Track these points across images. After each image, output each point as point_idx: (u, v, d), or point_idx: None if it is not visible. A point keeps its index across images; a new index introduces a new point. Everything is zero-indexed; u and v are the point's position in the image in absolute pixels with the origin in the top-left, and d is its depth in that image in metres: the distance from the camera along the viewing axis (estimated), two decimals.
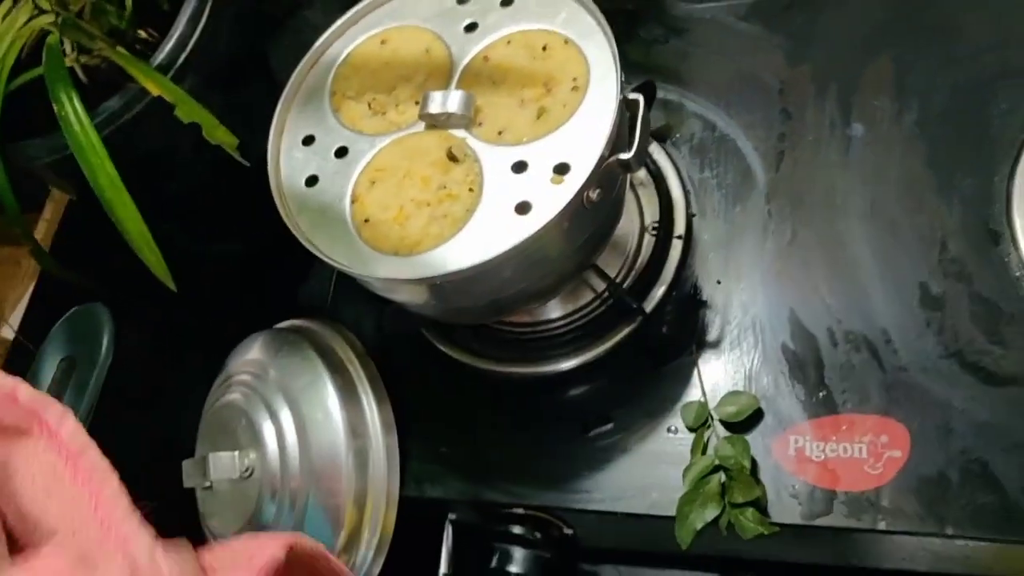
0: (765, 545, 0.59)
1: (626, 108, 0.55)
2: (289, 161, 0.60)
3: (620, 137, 0.54)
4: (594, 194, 0.53)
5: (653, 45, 0.75)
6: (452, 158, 0.56)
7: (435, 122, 0.57)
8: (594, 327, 0.66)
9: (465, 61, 0.60)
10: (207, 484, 0.67)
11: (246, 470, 0.66)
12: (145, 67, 0.65)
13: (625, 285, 0.66)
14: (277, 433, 0.66)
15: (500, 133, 0.56)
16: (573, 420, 0.65)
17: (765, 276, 0.65)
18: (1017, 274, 0.60)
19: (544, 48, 0.58)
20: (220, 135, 0.64)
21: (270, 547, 0.46)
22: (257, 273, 0.83)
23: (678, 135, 0.72)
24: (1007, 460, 0.56)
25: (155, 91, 0.64)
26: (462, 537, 0.69)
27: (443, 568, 0.69)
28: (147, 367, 0.78)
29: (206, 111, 0.64)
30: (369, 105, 0.60)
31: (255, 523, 0.65)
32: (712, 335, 0.64)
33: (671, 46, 0.75)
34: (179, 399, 0.77)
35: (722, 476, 0.59)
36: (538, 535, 0.65)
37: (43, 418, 0.46)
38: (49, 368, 0.72)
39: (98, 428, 0.71)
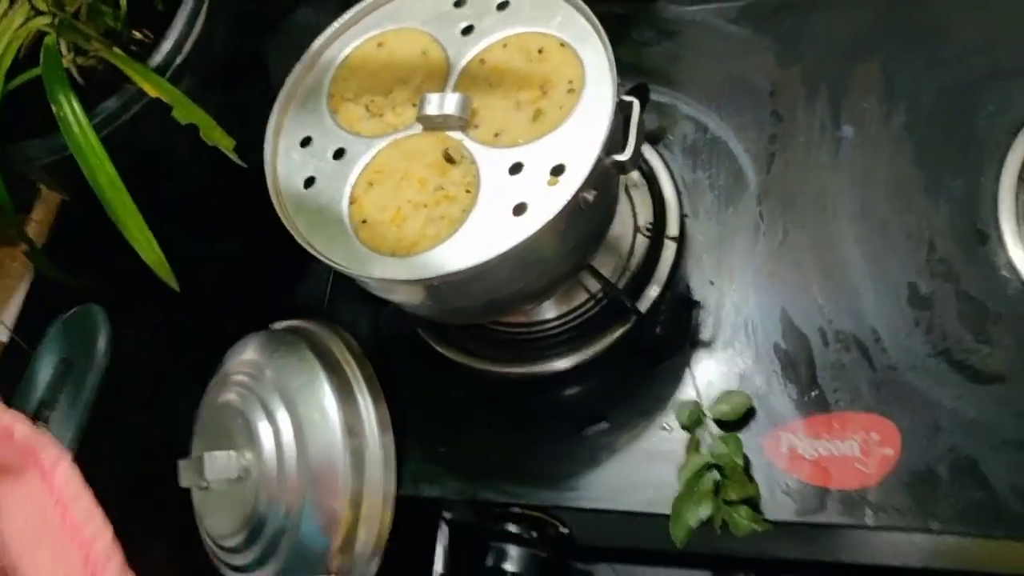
0: (759, 542, 0.60)
1: (620, 110, 0.56)
2: (287, 162, 0.61)
3: (615, 139, 0.55)
4: (590, 195, 0.54)
5: (645, 48, 0.76)
6: (449, 160, 0.57)
7: (432, 124, 0.58)
8: (589, 327, 0.67)
9: (462, 64, 0.60)
10: (203, 484, 0.67)
11: (243, 470, 0.66)
12: (143, 68, 0.65)
13: (619, 286, 0.67)
14: (274, 433, 0.66)
15: (497, 135, 0.57)
16: (568, 419, 0.65)
17: (757, 276, 0.66)
18: (1004, 274, 0.61)
19: (540, 51, 0.59)
20: (217, 136, 0.64)
21: None
22: (253, 274, 0.83)
23: (670, 137, 0.72)
24: (995, 457, 0.57)
25: (153, 93, 0.64)
26: (457, 536, 0.69)
27: (438, 567, 0.70)
28: (143, 368, 0.78)
29: (203, 112, 0.64)
30: (367, 107, 0.61)
31: (251, 523, 0.66)
32: (705, 335, 0.65)
33: (663, 49, 0.76)
34: (174, 399, 0.78)
35: (716, 474, 0.60)
36: (534, 534, 0.66)
37: (39, 458, 0.46)
38: (46, 369, 0.72)
39: (94, 428, 0.72)
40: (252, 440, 0.66)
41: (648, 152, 0.71)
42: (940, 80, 0.67)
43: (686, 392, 0.64)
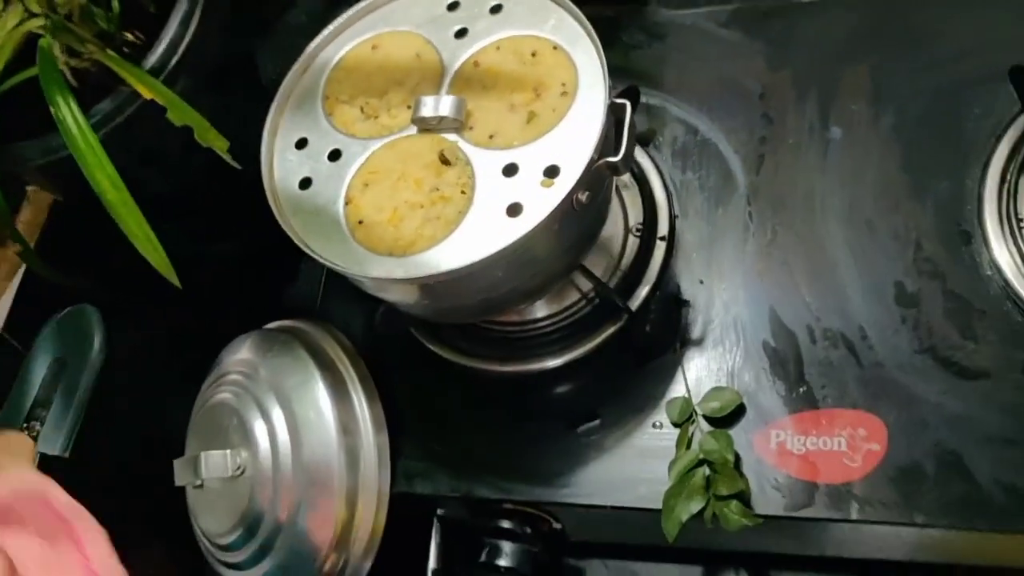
0: (748, 537, 0.61)
1: (613, 113, 0.57)
2: (283, 164, 0.61)
3: (608, 141, 0.56)
4: (583, 196, 0.55)
5: (635, 50, 0.77)
6: (444, 161, 0.57)
7: (427, 126, 0.59)
8: (580, 326, 0.68)
9: (456, 66, 0.61)
10: (198, 483, 0.68)
11: (238, 469, 0.66)
12: (137, 71, 0.65)
13: (610, 285, 0.68)
14: (269, 432, 0.66)
15: (491, 137, 0.58)
16: (561, 417, 0.66)
17: (746, 276, 0.67)
18: (988, 272, 0.62)
19: (533, 54, 0.60)
20: (212, 138, 0.65)
21: None
22: (246, 274, 0.83)
23: (661, 139, 0.73)
24: (979, 452, 0.58)
25: (147, 94, 0.64)
26: (451, 533, 0.70)
27: (432, 563, 0.71)
28: (136, 368, 0.78)
29: (198, 114, 0.65)
30: (362, 109, 0.61)
31: (246, 521, 0.66)
32: (695, 333, 0.66)
33: (653, 51, 0.77)
34: (168, 399, 0.78)
35: (706, 470, 0.61)
36: (527, 530, 0.67)
37: (73, 527, 0.46)
38: (40, 369, 0.72)
39: (88, 428, 0.72)
40: (247, 439, 0.67)
41: (638, 154, 0.72)
42: (926, 84, 0.68)
43: (677, 389, 0.65)
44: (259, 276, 0.83)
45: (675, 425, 0.64)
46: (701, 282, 0.68)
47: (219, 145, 0.65)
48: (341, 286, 0.71)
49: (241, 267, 0.84)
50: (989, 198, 0.64)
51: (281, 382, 0.68)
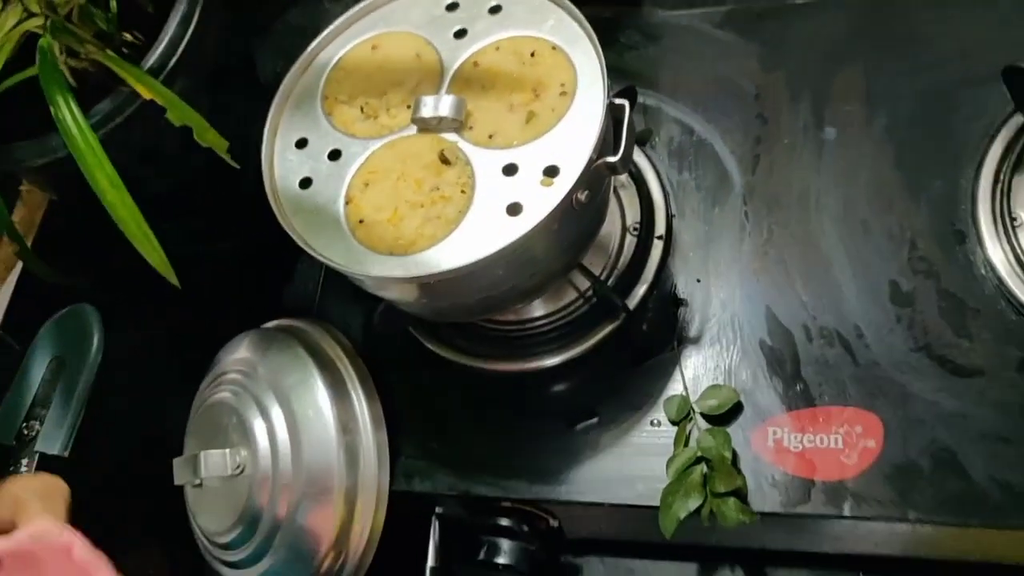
0: (745, 533, 0.61)
1: (611, 113, 0.57)
2: (283, 163, 0.61)
3: (606, 141, 0.56)
4: (583, 196, 0.55)
5: (632, 51, 0.77)
6: (444, 161, 0.58)
7: (427, 126, 0.59)
8: (578, 325, 0.68)
9: (455, 66, 0.61)
10: (197, 482, 0.68)
11: (237, 467, 0.66)
12: (137, 71, 0.66)
13: (608, 284, 0.68)
14: (268, 430, 0.66)
15: (491, 137, 0.58)
16: (559, 415, 0.67)
17: (743, 275, 0.67)
18: (982, 271, 0.63)
19: (532, 54, 0.60)
20: (211, 138, 0.65)
21: None
22: (244, 274, 0.84)
23: (657, 139, 0.74)
24: (973, 448, 0.59)
25: (147, 95, 0.64)
26: (450, 530, 0.70)
27: (430, 561, 0.71)
28: (134, 367, 0.79)
29: (197, 114, 0.65)
30: (361, 109, 0.61)
31: (245, 519, 0.66)
32: (692, 331, 0.67)
33: (649, 52, 0.77)
34: (166, 398, 0.78)
35: (704, 467, 0.61)
36: (525, 527, 0.67)
37: None
38: (38, 369, 0.72)
39: (87, 427, 0.72)
40: (247, 438, 0.67)
41: (635, 153, 0.73)
42: (919, 85, 0.69)
43: (674, 387, 0.65)
44: (257, 276, 0.83)
45: (673, 423, 0.64)
46: (698, 281, 0.68)
47: (218, 145, 0.65)
48: (339, 285, 0.72)
49: (239, 267, 0.84)
50: (983, 198, 0.64)
51: (280, 381, 0.68)
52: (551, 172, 0.56)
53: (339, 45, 0.65)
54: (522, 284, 0.60)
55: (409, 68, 0.62)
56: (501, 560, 0.67)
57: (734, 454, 0.62)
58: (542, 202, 0.54)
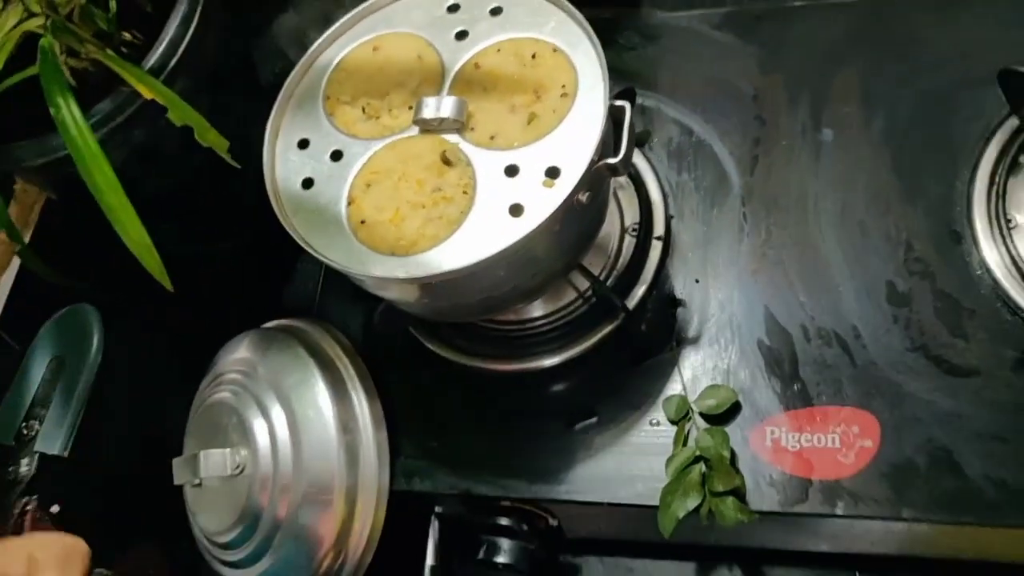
0: (743, 532, 0.62)
1: (612, 114, 0.57)
2: (285, 164, 0.62)
3: (607, 142, 0.57)
4: (584, 197, 0.56)
5: (631, 52, 0.78)
6: (446, 162, 0.58)
7: (429, 127, 0.59)
8: (578, 325, 0.69)
9: (456, 68, 0.61)
10: (197, 481, 0.68)
11: (237, 467, 0.67)
12: (138, 71, 0.66)
13: (608, 284, 0.69)
14: (268, 430, 0.67)
15: (492, 138, 0.58)
16: (558, 414, 0.67)
17: (741, 275, 0.68)
18: (978, 272, 0.64)
19: (533, 56, 0.60)
20: (212, 138, 0.65)
21: None
22: (243, 274, 0.84)
23: (656, 140, 0.74)
24: (969, 447, 0.59)
25: (148, 95, 0.64)
26: (449, 529, 0.70)
27: (430, 560, 0.71)
28: (132, 367, 0.79)
29: (198, 114, 0.65)
30: (363, 110, 0.62)
31: (245, 519, 0.67)
32: (691, 332, 0.67)
33: (648, 53, 0.78)
34: (165, 398, 0.78)
35: (703, 466, 0.62)
36: (524, 526, 0.67)
37: None
38: (38, 368, 0.72)
39: (86, 427, 0.72)
40: (247, 437, 0.67)
41: (634, 154, 0.73)
42: (916, 87, 0.70)
43: (673, 387, 0.66)
44: (256, 276, 0.83)
45: (672, 422, 0.64)
46: (697, 281, 0.69)
47: (219, 145, 0.65)
48: (339, 285, 0.72)
49: (239, 267, 0.84)
50: (978, 199, 0.65)
51: (280, 381, 0.68)
52: (552, 173, 0.56)
53: (340, 46, 0.65)
54: (523, 284, 0.60)
55: (410, 69, 0.62)
56: (501, 559, 0.67)
57: (732, 453, 0.62)
58: (543, 203, 0.55)
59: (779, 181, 0.70)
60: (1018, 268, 0.62)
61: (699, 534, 0.65)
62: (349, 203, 0.59)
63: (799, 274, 0.67)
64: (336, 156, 0.61)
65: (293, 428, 0.66)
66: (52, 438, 0.69)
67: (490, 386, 0.70)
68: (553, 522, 0.69)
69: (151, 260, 0.60)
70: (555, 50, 0.60)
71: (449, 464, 0.68)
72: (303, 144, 0.62)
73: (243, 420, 0.68)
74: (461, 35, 0.63)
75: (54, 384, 0.72)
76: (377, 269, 0.56)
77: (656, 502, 0.61)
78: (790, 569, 0.68)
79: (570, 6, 0.61)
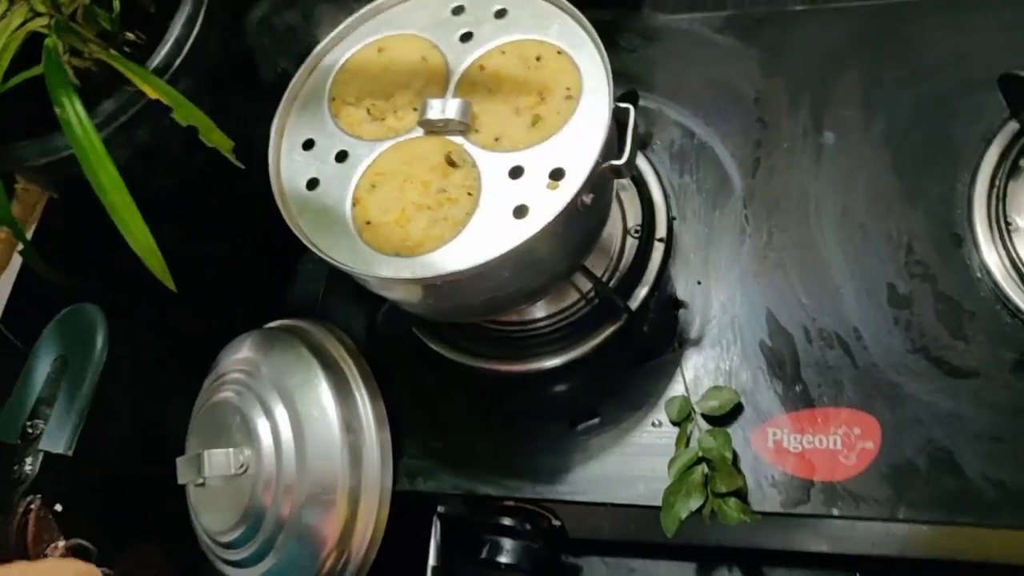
0: (745, 532, 0.62)
1: (615, 116, 0.58)
2: (289, 164, 0.62)
3: (611, 144, 0.57)
4: (588, 199, 0.56)
5: (632, 54, 0.78)
6: (451, 163, 0.58)
7: (434, 128, 0.59)
8: (580, 326, 0.69)
9: (461, 69, 0.62)
10: (200, 481, 0.68)
11: (241, 467, 0.67)
12: (142, 71, 0.66)
13: (610, 285, 0.69)
14: (272, 430, 0.67)
15: (497, 139, 0.59)
16: (561, 415, 0.67)
17: (743, 277, 0.68)
18: (978, 275, 0.64)
19: (538, 58, 0.61)
20: (216, 138, 0.65)
21: None
22: (246, 274, 0.84)
23: (657, 142, 0.75)
24: (969, 448, 0.60)
25: (153, 94, 0.64)
26: (451, 530, 0.71)
27: (432, 560, 0.71)
28: (135, 366, 0.79)
29: (202, 114, 0.65)
30: (368, 111, 0.62)
31: (248, 519, 0.67)
32: (693, 333, 0.67)
33: (650, 56, 0.78)
34: (167, 398, 0.78)
35: (705, 467, 0.62)
36: (527, 527, 0.67)
37: None
38: (43, 367, 0.72)
39: (91, 426, 0.72)
40: (250, 437, 0.67)
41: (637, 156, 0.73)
42: (917, 91, 0.70)
43: (676, 388, 0.66)
44: (259, 276, 0.83)
45: (674, 423, 0.65)
46: (699, 283, 0.69)
47: (223, 145, 0.65)
48: (343, 285, 0.72)
49: (242, 267, 0.84)
50: (979, 202, 0.65)
51: (284, 380, 0.68)
52: (557, 175, 0.56)
53: (345, 47, 0.66)
54: (527, 285, 0.61)
55: (415, 71, 0.62)
56: (504, 559, 0.67)
57: (734, 454, 0.62)
58: (548, 205, 0.55)
59: (780, 183, 0.70)
60: (1018, 271, 0.63)
61: (701, 534, 0.66)
62: (354, 204, 0.59)
63: (801, 276, 0.67)
64: (341, 157, 0.61)
65: (296, 428, 0.66)
66: (56, 437, 0.69)
67: (493, 387, 0.70)
68: (556, 522, 0.69)
69: (154, 260, 0.60)
70: (559, 52, 0.60)
71: (452, 464, 0.68)
72: (308, 145, 0.62)
73: (246, 420, 0.68)
74: (466, 37, 0.63)
75: (58, 383, 0.72)
76: (382, 270, 0.56)
77: (658, 503, 0.62)
78: (791, 570, 0.69)
79: (574, 9, 0.61)
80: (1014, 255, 0.63)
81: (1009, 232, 0.64)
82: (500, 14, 0.63)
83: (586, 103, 0.58)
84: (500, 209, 0.56)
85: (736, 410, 0.64)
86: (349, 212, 0.59)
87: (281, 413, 0.67)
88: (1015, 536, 0.60)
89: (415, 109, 0.61)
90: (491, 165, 0.58)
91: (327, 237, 0.58)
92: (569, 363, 0.68)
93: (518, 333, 0.70)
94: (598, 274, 0.68)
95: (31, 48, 0.68)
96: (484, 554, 0.68)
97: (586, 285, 0.68)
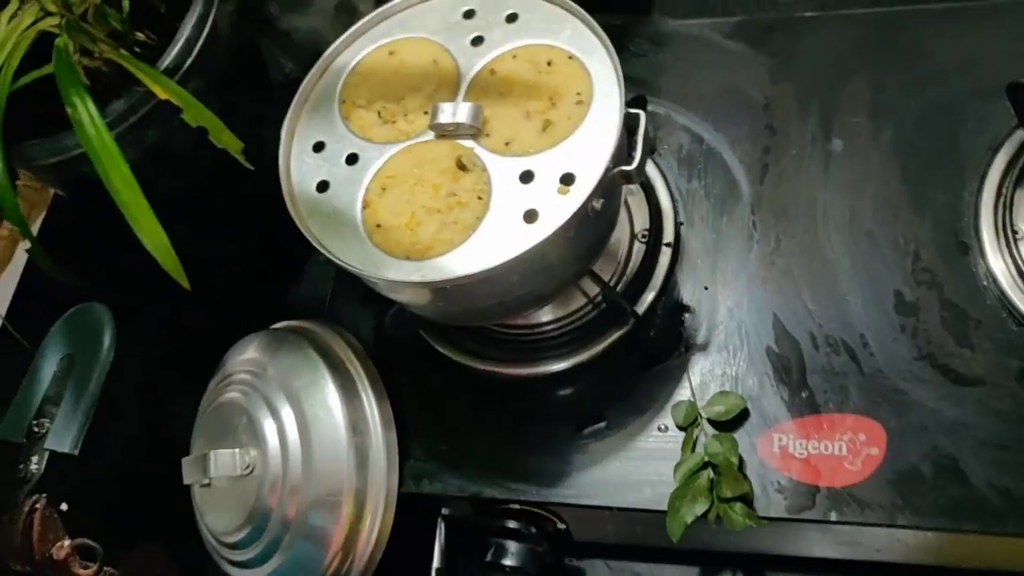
0: (749, 537, 0.62)
1: (626, 122, 0.58)
2: (300, 166, 0.62)
3: (621, 150, 0.57)
4: (598, 204, 0.56)
5: (642, 59, 0.78)
6: (461, 167, 0.58)
7: (444, 132, 0.60)
8: (587, 330, 0.69)
9: (472, 73, 0.62)
10: (206, 481, 0.68)
11: (247, 467, 0.67)
12: (153, 71, 0.66)
13: (617, 290, 0.69)
14: (278, 431, 0.67)
15: (507, 144, 0.59)
16: (567, 419, 0.67)
17: (750, 283, 0.68)
18: (984, 283, 0.64)
19: (549, 63, 0.61)
20: (226, 139, 0.65)
21: None
22: (253, 274, 0.84)
23: (666, 147, 0.75)
24: (974, 456, 0.60)
25: (163, 95, 0.65)
26: (456, 532, 0.71)
27: (436, 563, 0.71)
28: (140, 366, 0.79)
29: (213, 115, 0.65)
30: (379, 114, 0.62)
31: (254, 519, 0.67)
32: (700, 338, 0.68)
33: (659, 61, 0.78)
34: (173, 398, 0.78)
35: (711, 472, 0.62)
36: (532, 529, 0.68)
37: None
38: (49, 366, 0.73)
39: (96, 425, 0.73)
40: (256, 437, 0.67)
41: None
42: (924, 99, 0.70)
43: (682, 393, 0.66)
44: (266, 277, 0.83)
45: (680, 428, 0.65)
46: (706, 288, 0.69)
47: (233, 146, 0.65)
48: (351, 287, 0.72)
49: (249, 268, 0.84)
50: (986, 211, 0.66)
51: (291, 381, 0.68)
52: (567, 180, 0.56)
53: (356, 49, 0.66)
54: (536, 290, 0.61)
55: (426, 74, 0.63)
56: (509, 562, 0.67)
57: (740, 460, 0.62)
58: (558, 210, 0.55)
59: (788, 190, 0.70)
60: None
61: (706, 539, 0.66)
62: (364, 207, 0.59)
63: (808, 282, 0.67)
64: (352, 160, 0.61)
65: (303, 429, 0.67)
66: (62, 436, 0.70)
67: (500, 390, 0.70)
68: (561, 526, 0.69)
69: (168, 259, 0.61)
70: (570, 57, 0.61)
71: (458, 467, 0.68)
72: (318, 147, 0.62)
73: (253, 421, 0.68)
74: (477, 41, 0.63)
75: (65, 382, 0.72)
76: (392, 273, 0.56)
77: (664, 507, 0.62)
78: (796, 575, 0.69)
79: (585, 14, 0.61)
80: (1020, 263, 0.63)
81: (1016, 240, 0.64)
82: (511, 18, 0.63)
83: (597, 108, 0.58)
84: (510, 213, 0.56)
85: (742, 415, 0.64)
86: (359, 215, 0.59)
87: (287, 414, 0.67)
88: (1019, 544, 0.60)
89: (426, 112, 0.61)
90: (501, 169, 0.58)
91: (337, 240, 0.59)
92: (576, 367, 0.68)
93: (525, 337, 0.70)
94: (605, 278, 0.68)
95: (39, 47, 0.68)
96: (489, 557, 0.68)
97: (593, 289, 0.68)
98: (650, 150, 0.74)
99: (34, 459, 0.69)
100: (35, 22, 0.67)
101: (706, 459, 0.62)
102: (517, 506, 0.67)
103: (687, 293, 0.69)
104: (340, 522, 0.66)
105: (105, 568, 0.67)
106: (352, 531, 0.66)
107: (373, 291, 0.61)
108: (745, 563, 0.70)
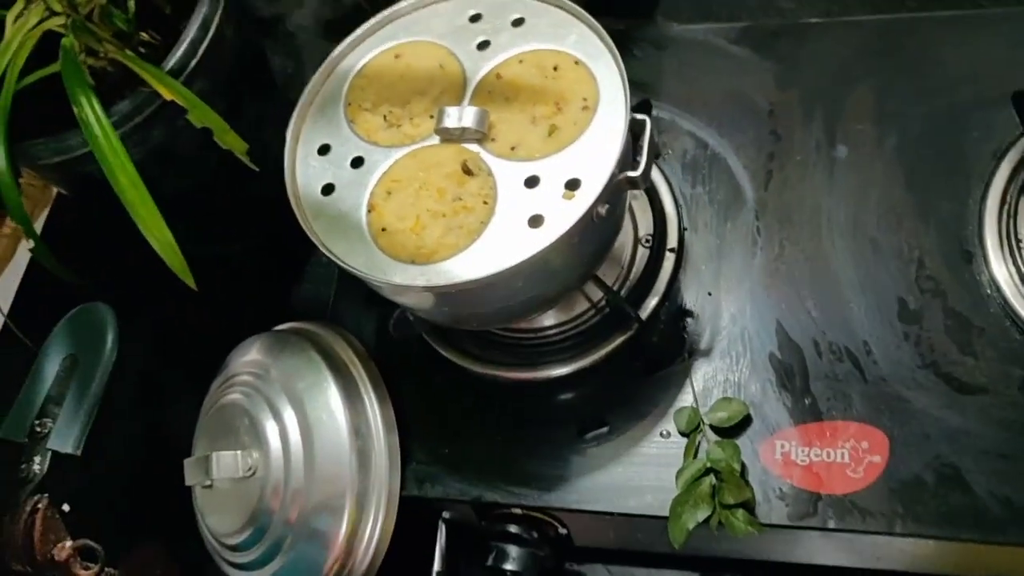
0: (750, 544, 0.62)
1: (631, 127, 0.58)
2: (305, 169, 0.62)
3: (627, 155, 0.57)
4: (603, 209, 0.56)
5: (646, 64, 0.78)
6: (467, 171, 0.58)
7: (450, 136, 0.60)
8: (590, 335, 0.69)
9: (478, 78, 0.62)
10: (208, 482, 0.68)
11: (249, 469, 0.67)
12: (158, 71, 0.66)
13: (621, 295, 0.69)
14: (280, 433, 0.67)
15: (513, 148, 0.59)
16: (570, 423, 0.67)
17: (754, 289, 0.68)
18: (988, 291, 0.64)
19: (555, 68, 0.61)
20: (231, 140, 0.65)
21: None
22: (256, 275, 0.84)
23: (670, 152, 0.75)
24: (977, 465, 0.60)
25: (168, 96, 0.65)
26: (457, 536, 0.71)
27: (436, 566, 0.71)
28: (142, 367, 0.79)
29: (217, 116, 0.65)
30: (384, 117, 0.62)
31: (255, 521, 0.67)
32: (703, 344, 0.68)
33: (664, 66, 0.78)
34: (175, 399, 0.78)
35: (713, 478, 0.62)
36: (534, 534, 0.68)
37: None
38: (52, 366, 0.73)
39: (98, 425, 0.72)
40: (259, 439, 0.67)
41: None
42: (929, 106, 0.70)
43: (685, 399, 0.66)
44: (269, 278, 0.83)
45: (682, 434, 0.65)
46: (709, 294, 0.69)
47: (237, 147, 0.65)
48: (354, 290, 0.72)
49: (252, 269, 0.84)
50: (990, 219, 0.65)
51: (293, 384, 0.68)
52: (572, 185, 0.56)
53: (362, 52, 0.66)
54: (540, 295, 0.61)
55: (432, 78, 0.63)
56: (509, 566, 0.67)
57: (743, 466, 0.62)
58: (563, 215, 0.55)
59: (793, 196, 0.70)
60: None
61: (708, 546, 0.66)
62: (369, 210, 0.59)
63: (811, 289, 0.67)
64: (357, 163, 0.61)
65: (305, 431, 0.67)
66: (65, 436, 0.69)
67: (502, 394, 0.70)
68: (562, 530, 0.69)
69: (175, 259, 0.61)
70: (576, 62, 0.61)
71: (460, 470, 0.68)
72: (324, 150, 0.62)
73: (255, 422, 0.68)
74: (483, 45, 0.63)
75: (68, 382, 0.72)
76: (397, 277, 0.56)
77: (665, 513, 0.62)
78: None
79: (591, 19, 0.61)
80: None
81: (1020, 249, 0.64)
82: (517, 23, 0.63)
83: (603, 114, 0.58)
84: (515, 218, 0.56)
85: (745, 422, 0.64)
86: (364, 218, 0.59)
87: (290, 416, 0.67)
88: (1020, 554, 0.60)
89: (431, 116, 0.61)
90: (507, 174, 0.58)
91: (342, 243, 0.59)
92: (578, 372, 0.68)
93: (528, 341, 0.70)
94: (609, 283, 0.68)
95: (44, 47, 0.68)
96: (490, 561, 0.68)
97: (597, 294, 0.68)
98: (655, 155, 0.74)
99: (36, 459, 0.69)
100: (40, 22, 0.67)
101: (708, 465, 0.62)
102: (518, 510, 0.67)
103: (690, 299, 0.69)
104: (341, 525, 0.66)
105: (106, 569, 0.67)
106: (353, 534, 0.66)
107: (376, 293, 0.61)
108: (746, 569, 0.70)
